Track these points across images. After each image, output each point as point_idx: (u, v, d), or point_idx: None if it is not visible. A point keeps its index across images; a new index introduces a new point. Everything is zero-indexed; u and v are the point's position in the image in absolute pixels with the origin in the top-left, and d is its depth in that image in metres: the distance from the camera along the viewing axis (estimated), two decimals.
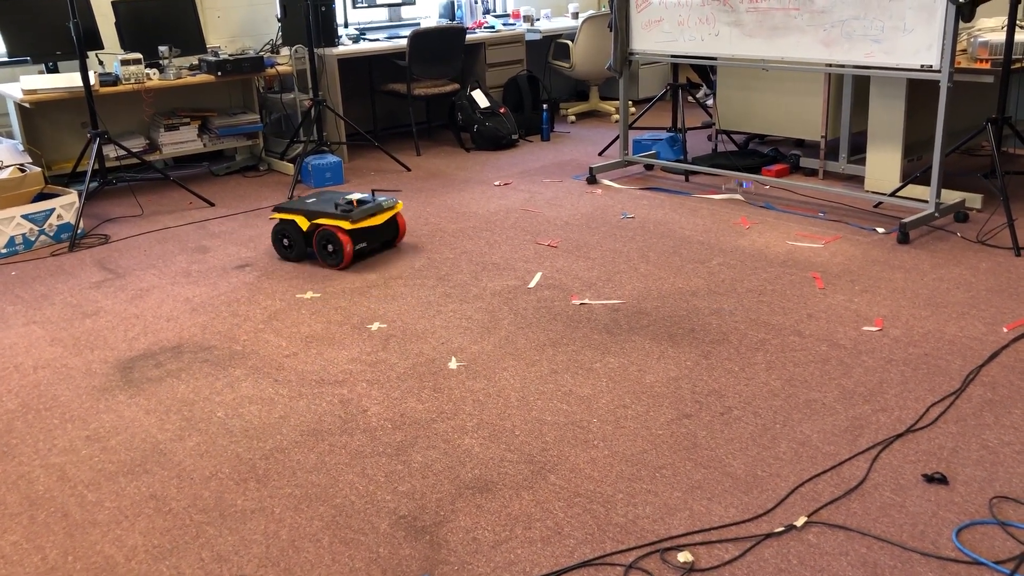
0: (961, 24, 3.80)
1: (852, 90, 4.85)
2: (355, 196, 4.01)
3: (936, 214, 4.05)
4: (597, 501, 2.20)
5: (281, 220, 4.03)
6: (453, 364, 2.96)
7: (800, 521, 2.08)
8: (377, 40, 6.25)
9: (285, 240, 4.03)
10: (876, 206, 4.49)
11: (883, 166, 4.60)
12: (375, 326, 3.29)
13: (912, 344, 2.96)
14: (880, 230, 4.12)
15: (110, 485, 2.35)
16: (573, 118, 7.24)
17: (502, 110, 6.31)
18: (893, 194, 4.35)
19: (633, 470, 2.32)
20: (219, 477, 2.37)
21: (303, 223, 3.95)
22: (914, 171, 4.47)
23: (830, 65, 4.26)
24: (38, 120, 5.23)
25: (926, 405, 2.57)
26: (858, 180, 4.88)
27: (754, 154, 5.41)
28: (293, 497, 2.27)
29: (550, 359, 2.97)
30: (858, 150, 4.93)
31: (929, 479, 2.22)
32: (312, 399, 2.77)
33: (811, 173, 5.14)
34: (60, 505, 2.27)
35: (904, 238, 3.93)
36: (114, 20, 5.31)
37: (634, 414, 2.60)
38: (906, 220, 3.95)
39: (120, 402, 2.80)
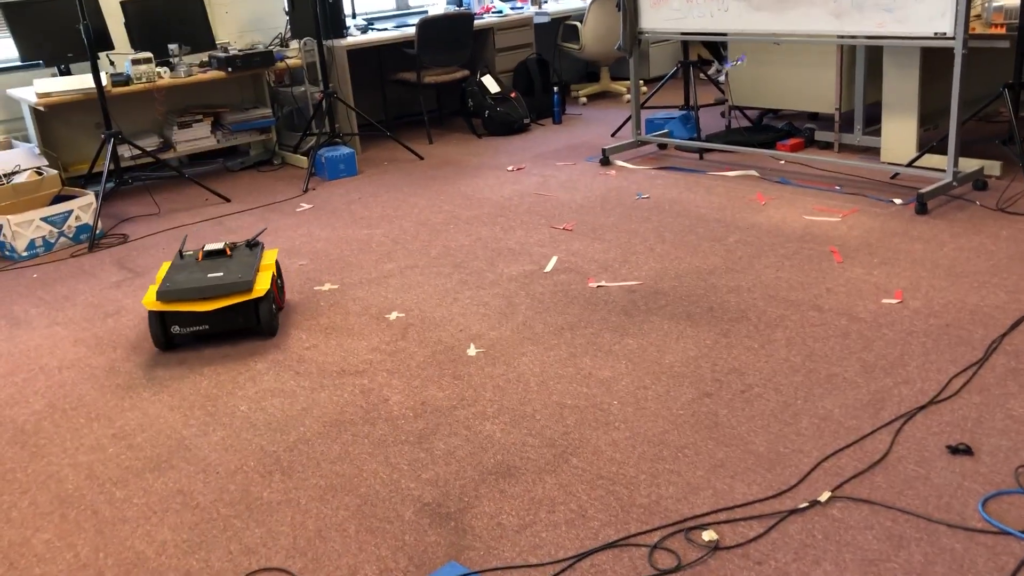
0: None
1: (865, 61, 4.80)
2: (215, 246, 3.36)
3: (954, 183, 4.01)
4: (620, 483, 2.20)
5: None
6: (472, 351, 2.97)
7: (824, 496, 2.08)
8: (385, 30, 6.23)
9: None
10: (893, 177, 4.45)
11: (899, 136, 4.56)
12: (393, 315, 3.30)
13: (933, 315, 2.94)
14: (898, 201, 4.08)
15: (137, 482, 2.38)
16: (584, 100, 7.21)
17: (513, 95, 6.30)
18: (910, 164, 4.31)
19: (655, 451, 2.32)
20: (244, 470, 2.39)
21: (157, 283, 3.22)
22: (930, 140, 4.42)
23: (842, 37, 4.22)
24: (53, 123, 5.27)
25: (948, 376, 2.56)
26: (874, 152, 4.83)
27: (768, 129, 5.37)
28: (318, 488, 2.29)
29: (568, 343, 2.97)
30: (873, 121, 4.88)
31: (953, 450, 2.21)
32: (333, 390, 2.78)
33: (826, 146, 5.10)
34: (90, 503, 2.30)
35: (922, 208, 3.89)
36: (123, 20, 5.33)
37: (654, 395, 2.60)
38: (924, 190, 3.91)
39: (144, 399, 2.83)
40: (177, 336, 3.14)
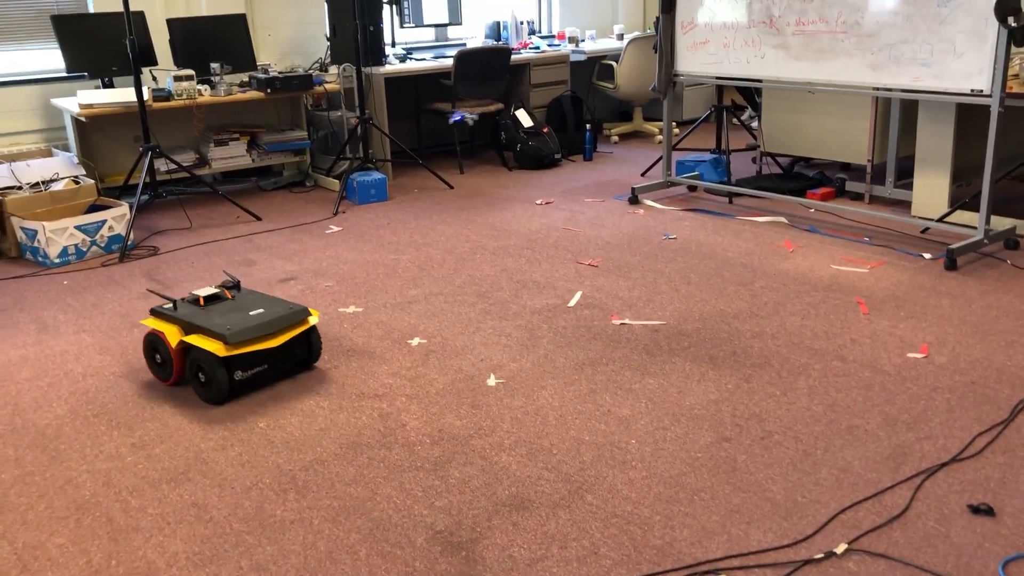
0: (1013, 48, 3.75)
1: (900, 114, 4.80)
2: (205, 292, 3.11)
3: (985, 240, 3.99)
4: (634, 523, 2.19)
5: (152, 330, 3.04)
6: (492, 381, 2.97)
7: (840, 548, 2.05)
8: (423, 60, 6.32)
9: (157, 356, 3.06)
10: (923, 231, 4.43)
11: (931, 191, 4.54)
12: (415, 341, 3.32)
13: (958, 372, 2.91)
14: (927, 256, 4.06)
15: (153, 492, 2.39)
16: (616, 138, 7.25)
17: (545, 130, 6.34)
18: (941, 219, 4.29)
19: (671, 492, 2.31)
20: (259, 487, 2.40)
21: (173, 337, 2.96)
22: (963, 197, 4.40)
23: (877, 89, 4.23)
24: (93, 134, 5.37)
25: (972, 434, 2.53)
26: (905, 205, 4.82)
27: (799, 177, 5.37)
28: (331, 509, 2.29)
29: (589, 378, 2.96)
30: (905, 175, 4.87)
31: (975, 510, 2.17)
32: (352, 412, 2.79)
33: (857, 197, 5.09)
34: (105, 510, 2.32)
35: (951, 264, 3.87)
36: (168, 37, 5.44)
37: (673, 436, 2.58)
38: (954, 246, 3.89)
39: (165, 411, 2.85)
40: (239, 383, 2.90)
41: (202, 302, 3.08)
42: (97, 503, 2.35)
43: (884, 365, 2.98)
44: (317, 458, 2.53)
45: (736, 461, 2.44)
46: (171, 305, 3.07)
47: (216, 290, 3.14)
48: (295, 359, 3.06)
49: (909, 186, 4.73)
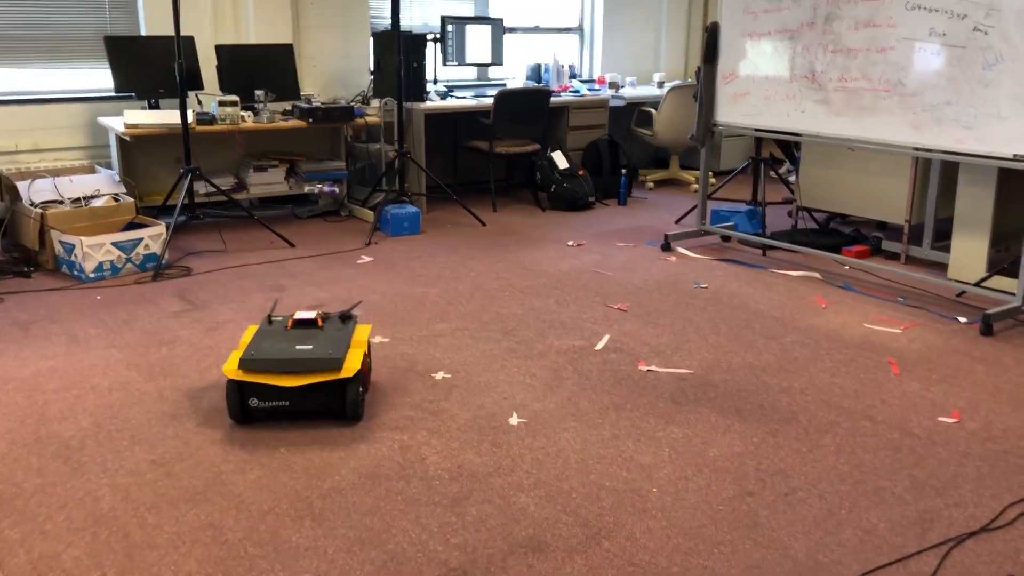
0: None
1: (940, 175, 4.77)
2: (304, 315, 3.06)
3: (1023, 308, 3.92)
4: (651, 572, 2.15)
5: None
6: (514, 420, 2.95)
7: None
8: (464, 98, 6.39)
9: None
10: (959, 295, 4.37)
11: (969, 254, 4.49)
12: (439, 375, 3.31)
13: (991, 439, 2.84)
14: (962, 319, 4.00)
15: (171, 510, 2.39)
16: (651, 184, 7.26)
17: (580, 172, 6.37)
18: (978, 284, 4.23)
19: (690, 544, 2.26)
20: (276, 512, 2.39)
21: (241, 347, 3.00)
22: (1001, 262, 4.34)
23: (918, 149, 4.20)
24: (135, 153, 5.46)
25: (1003, 504, 2.46)
26: (941, 267, 4.76)
27: (835, 233, 5.33)
28: (346, 539, 2.27)
29: (612, 423, 2.93)
30: (943, 236, 4.82)
31: None
32: (372, 442, 2.78)
33: (893, 257, 5.04)
34: (122, 525, 2.32)
35: (987, 330, 3.80)
36: (216, 63, 5.55)
37: (695, 487, 2.54)
38: (990, 311, 3.83)
39: (187, 430, 2.86)
40: (255, 410, 2.88)
41: (290, 324, 3.04)
42: (115, 517, 2.35)
43: (914, 428, 2.92)
44: (335, 486, 2.52)
45: (758, 516, 2.39)
46: (267, 319, 3.10)
47: (312, 315, 3.05)
48: (319, 407, 2.90)
49: (946, 248, 4.68)
